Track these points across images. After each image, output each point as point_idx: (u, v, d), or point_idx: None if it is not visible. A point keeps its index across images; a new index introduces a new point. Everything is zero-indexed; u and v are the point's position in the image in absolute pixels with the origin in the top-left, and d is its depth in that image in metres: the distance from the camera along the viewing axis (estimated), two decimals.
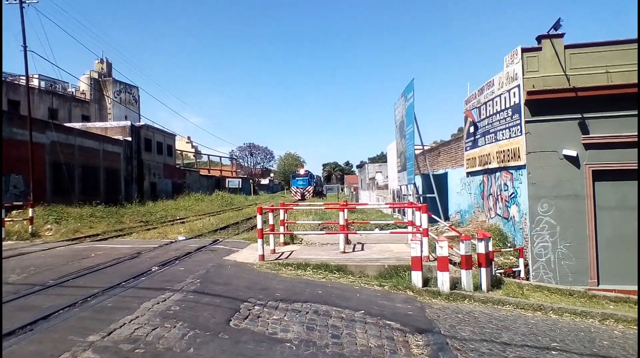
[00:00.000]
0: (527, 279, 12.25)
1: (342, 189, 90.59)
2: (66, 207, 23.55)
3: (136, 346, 4.82)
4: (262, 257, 10.48)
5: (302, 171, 68.74)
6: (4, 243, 14.60)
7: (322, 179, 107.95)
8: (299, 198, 61.91)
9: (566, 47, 12.89)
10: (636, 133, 11.58)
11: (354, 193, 67.65)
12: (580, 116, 12.53)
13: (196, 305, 6.53)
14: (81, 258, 10.59)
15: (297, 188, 65.03)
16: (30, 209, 17.20)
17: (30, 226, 16.78)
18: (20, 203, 20.37)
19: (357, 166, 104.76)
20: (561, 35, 12.86)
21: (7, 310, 6.07)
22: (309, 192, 63.93)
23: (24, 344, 4.81)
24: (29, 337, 5.03)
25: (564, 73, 12.80)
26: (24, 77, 27.59)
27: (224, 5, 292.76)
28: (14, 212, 19.01)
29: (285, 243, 12.94)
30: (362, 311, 6.91)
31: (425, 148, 23.53)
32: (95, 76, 53.26)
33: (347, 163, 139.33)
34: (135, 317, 5.75)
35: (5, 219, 15.76)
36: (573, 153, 12.43)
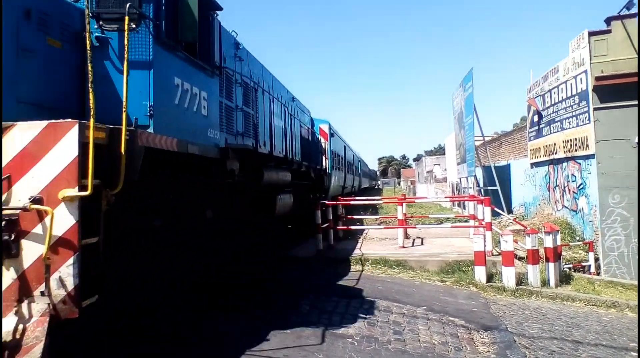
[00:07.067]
0: (598, 274, 11.65)
1: (399, 183, 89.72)
2: None
3: None
4: (320, 252, 10.51)
5: None
6: None
7: (377, 173, 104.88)
8: None
9: None
10: None
11: (411, 186, 66.70)
12: None
13: None
14: None
15: None
16: None
17: None
18: None
19: (414, 160, 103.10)
20: (634, 15, 12.06)
21: None
22: None
23: None
24: None
25: (636, 56, 12.01)
26: None
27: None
28: None
29: (343, 238, 12.90)
30: (424, 308, 6.78)
31: (486, 138, 22.85)
32: None
33: (404, 157, 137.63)
34: None
35: None
36: None
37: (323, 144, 16.66)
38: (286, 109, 11.08)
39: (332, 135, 17.88)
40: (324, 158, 16.35)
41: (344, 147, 22.95)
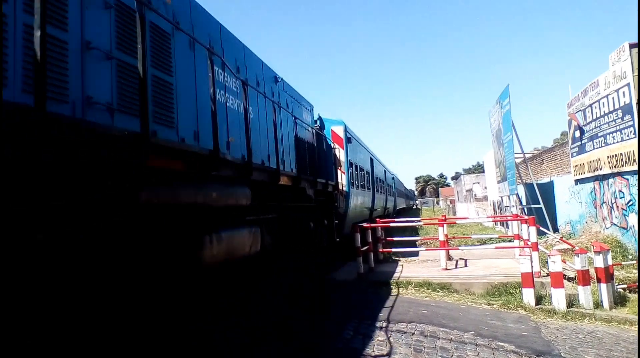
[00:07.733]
0: None
1: (438, 203, 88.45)
2: None
3: None
4: (361, 275, 10.42)
5: None
6: None
7: (415, 192, 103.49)
8: None
9: None
10: None
11: (451, 205, 65.50)
12: None
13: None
14: None
15: None
16: None
17: None
18: None
19: (452, 178, 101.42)
20: None
21: None
22: None
23: None
24: None
25: None
26: None
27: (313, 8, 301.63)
28: None
29: (384, 260, 12.76)
30: (472, 332, 6.60)
31: (527, 155, 22.36)
32: None
33: (441, 175, 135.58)
34: None
35: None
36: None
37: (337, 153, 12.90)
38: (253, 87, 7.13)
39: (349, 140, 13.80)
40: (339, 171, 12.77)
41: (371, 159, 18.84)
